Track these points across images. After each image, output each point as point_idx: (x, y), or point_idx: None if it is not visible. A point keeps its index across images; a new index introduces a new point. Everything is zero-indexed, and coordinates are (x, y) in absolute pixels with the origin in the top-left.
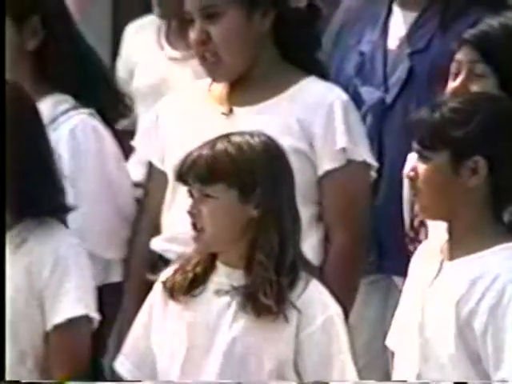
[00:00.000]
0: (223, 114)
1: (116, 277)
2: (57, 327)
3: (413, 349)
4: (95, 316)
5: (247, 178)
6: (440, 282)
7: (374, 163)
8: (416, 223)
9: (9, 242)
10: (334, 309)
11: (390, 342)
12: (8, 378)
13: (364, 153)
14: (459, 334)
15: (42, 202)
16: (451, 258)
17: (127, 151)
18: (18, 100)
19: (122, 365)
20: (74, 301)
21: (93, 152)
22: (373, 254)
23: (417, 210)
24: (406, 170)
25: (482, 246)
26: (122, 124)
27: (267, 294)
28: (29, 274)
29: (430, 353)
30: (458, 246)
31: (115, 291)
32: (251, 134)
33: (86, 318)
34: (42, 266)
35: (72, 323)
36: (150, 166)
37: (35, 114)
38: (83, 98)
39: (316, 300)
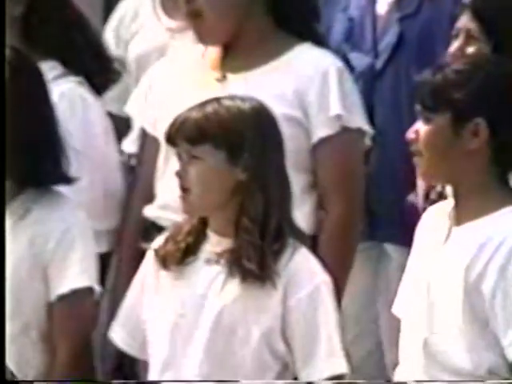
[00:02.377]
0: (217, 80)
1: (103, 247)
2: (61, 298)
3: (420, 315)
4: (97, 288)
5: (235, 140)
6: (448, 248)
7: (370, 130)
8: (433, 195)
9: (11, 212)
10: (322, 277)
11: (397, 309)
12: (12, 348)
13: (359, 120)
14: (467, 299)
15: (45, 171)
16: (459, 223)
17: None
18: (23, 68)
19: (116, 333)
20: (79, 272)
21: (78, 121)
22: (364, 222)
23: (420, 177)
24: (409, 132)
25: (489, 209)
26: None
27: (250, 258)
28: (32, 245)
29: (436, 319)
30: (464, 211)
31: (101, 261)
32: (242, 99)
33: (89, 290)
34: (47, 236)
35: (76, 294)
36: (143, 133)
37: (41, 84)
38: (71, 63)
39: (303, 268)
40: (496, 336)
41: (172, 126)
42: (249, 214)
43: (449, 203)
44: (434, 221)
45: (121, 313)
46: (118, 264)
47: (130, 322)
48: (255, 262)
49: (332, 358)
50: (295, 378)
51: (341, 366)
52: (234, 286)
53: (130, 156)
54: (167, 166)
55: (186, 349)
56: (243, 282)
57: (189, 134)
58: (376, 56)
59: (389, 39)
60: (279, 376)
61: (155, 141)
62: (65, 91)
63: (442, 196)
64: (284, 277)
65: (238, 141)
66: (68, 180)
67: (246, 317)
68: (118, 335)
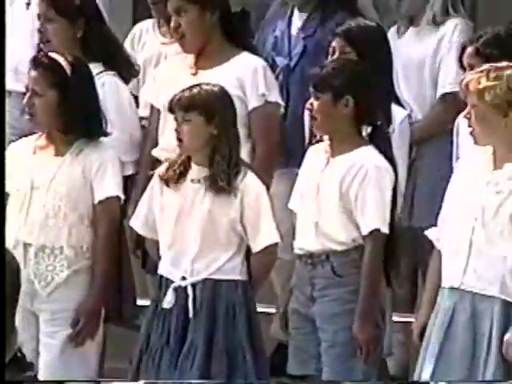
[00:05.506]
0: (192, 74)
1: (129, 171)
2: (100, 201)
3: (312, 208)
4: (122, 196)
5: (210, 109)
6: (328, 170)
7: (282, 103)
8: (313, 140)
9: (71, 152)
10: (262, 189)
11: (292, 205)
12: (73, 231)
13: (276, 96)
14: (341, 200)
15: (92, 128)
16: (333, 156)
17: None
18: (83, 66)
19: (135, 222)
20: (111, 186)
21: (114, 97)
22: (283, 156)
23: (314, 131)
24: (307, 105)
25: (352, 148)
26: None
27: (223, 180)
28: (84, 171)
29: (323, 210)
30: (337, 149)
31: (126, 180)
32: (213, 85)
33: (117, 197)
34: (91, 165)
35: (109, 199)
36: (151, 106)
37: (90, 74)
38: (109, 64)
39: (251, 183)
40: (356, 221)
41: (172, 100)
42: (220, 153)
43: (324, 144)
44: (316, 153)
45: (137, 211)
46: (139, 183)
47: (144, 216)
48: (225, 182)
49: (269, 233)
50: (248, 250)
51: (276, 238)
52: (211, 196)
53: (142, 118)
54: (165, 126)
55: (184, 233)
56: (217, 194)
57: (183, 105)
58: (290, 59)
59: (298, 49)
60: (238, 247)
61: (158, 111)
62: (105, 80)
63: (319, 141)
64: (240, 189)
65: (212, 110)
66: (106, 134)
67: (220, 213)
68: (136, 224)
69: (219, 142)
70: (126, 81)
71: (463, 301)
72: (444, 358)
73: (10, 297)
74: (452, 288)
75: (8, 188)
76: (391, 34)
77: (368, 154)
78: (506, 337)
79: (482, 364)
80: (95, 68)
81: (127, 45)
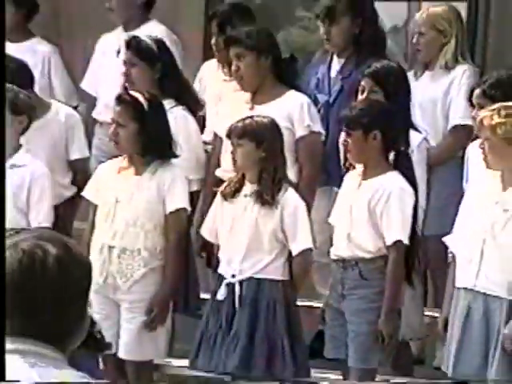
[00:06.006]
0: (249, 108)
1: (194, 188)
2: (171, 212)
3: (345, 221)
4: (189, 208)
5: (260, 137)
6: (360, 191)
7: (323, 132)
8: (347, 164)
9: (148, 171)
10: (300, 203)
11: (331, 220)
12: (150, 236)
13: (318, 127)
14: (369, 214)
15: (165, 151)
16: (365, 179)
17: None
18: (157, 102)
19: (204, 231)
20: (180, 200)
21: (183, 127)
22: (323, 175)
23: (349, 160)
24: (341, 140)
25: (380, 173)
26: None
27: (268, 194)
28: (158, 187)
29: (355, 223)
30: (368, 174)
31: (192, 195)
32: (263, 116)
33: (185, 209)
34: (164, 182)
35: (178, 211)
36: (215, 134)
37: (163, 108)
38: (180, 100)
39: (290, 197)
40: (382, 234)
41: (229, 129)
42: (266, 172)
43: (357, 170)
44: (351, 177)
45: (205, 222)
46: (204, 197)
47: (209, 225)
48: (270, 196)
49: (305, 240)
50: (289, 253)
51: (309, 244)
52: (258, 207)
53: (206, 143)
54: (226, 151)
55: (236, 238)
56: (262, 206)
57: (237, 132)
58: (330, 96)
59: (336, 88)
60: (281, 251)
61: (220, 138)
62: (177, 114)
63: (351, 165)
64: (281, 202)
65: (261, 137)
66: (176, 156)
67: (264, 222)
68: (205, 232)
69: (266, 163)
70: (194, 113)
71: (477, 300)
72: (463, 352)
73: (85, 290)
74: (466, 289)
75: (97, 201)
76: (409, 76)
77: (392, 179)
78: (505, 330)
79: (491, 358)
80: (169, 103)
81: (196, 82)
